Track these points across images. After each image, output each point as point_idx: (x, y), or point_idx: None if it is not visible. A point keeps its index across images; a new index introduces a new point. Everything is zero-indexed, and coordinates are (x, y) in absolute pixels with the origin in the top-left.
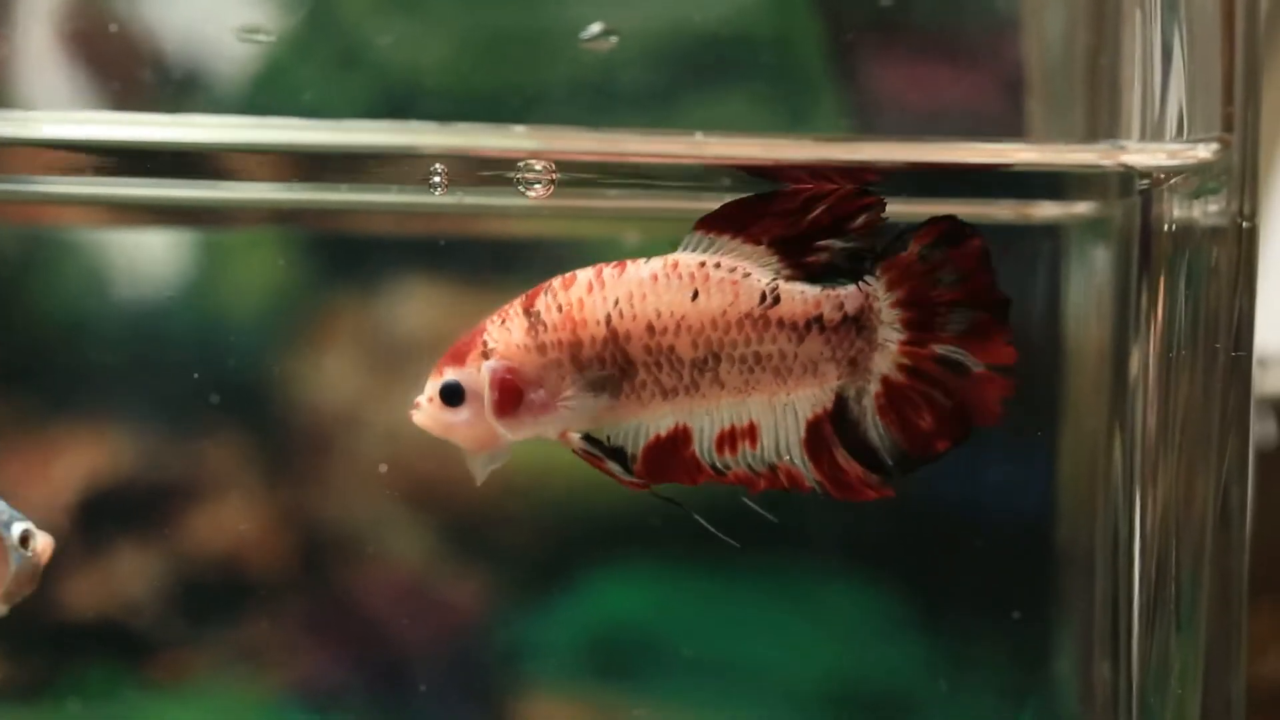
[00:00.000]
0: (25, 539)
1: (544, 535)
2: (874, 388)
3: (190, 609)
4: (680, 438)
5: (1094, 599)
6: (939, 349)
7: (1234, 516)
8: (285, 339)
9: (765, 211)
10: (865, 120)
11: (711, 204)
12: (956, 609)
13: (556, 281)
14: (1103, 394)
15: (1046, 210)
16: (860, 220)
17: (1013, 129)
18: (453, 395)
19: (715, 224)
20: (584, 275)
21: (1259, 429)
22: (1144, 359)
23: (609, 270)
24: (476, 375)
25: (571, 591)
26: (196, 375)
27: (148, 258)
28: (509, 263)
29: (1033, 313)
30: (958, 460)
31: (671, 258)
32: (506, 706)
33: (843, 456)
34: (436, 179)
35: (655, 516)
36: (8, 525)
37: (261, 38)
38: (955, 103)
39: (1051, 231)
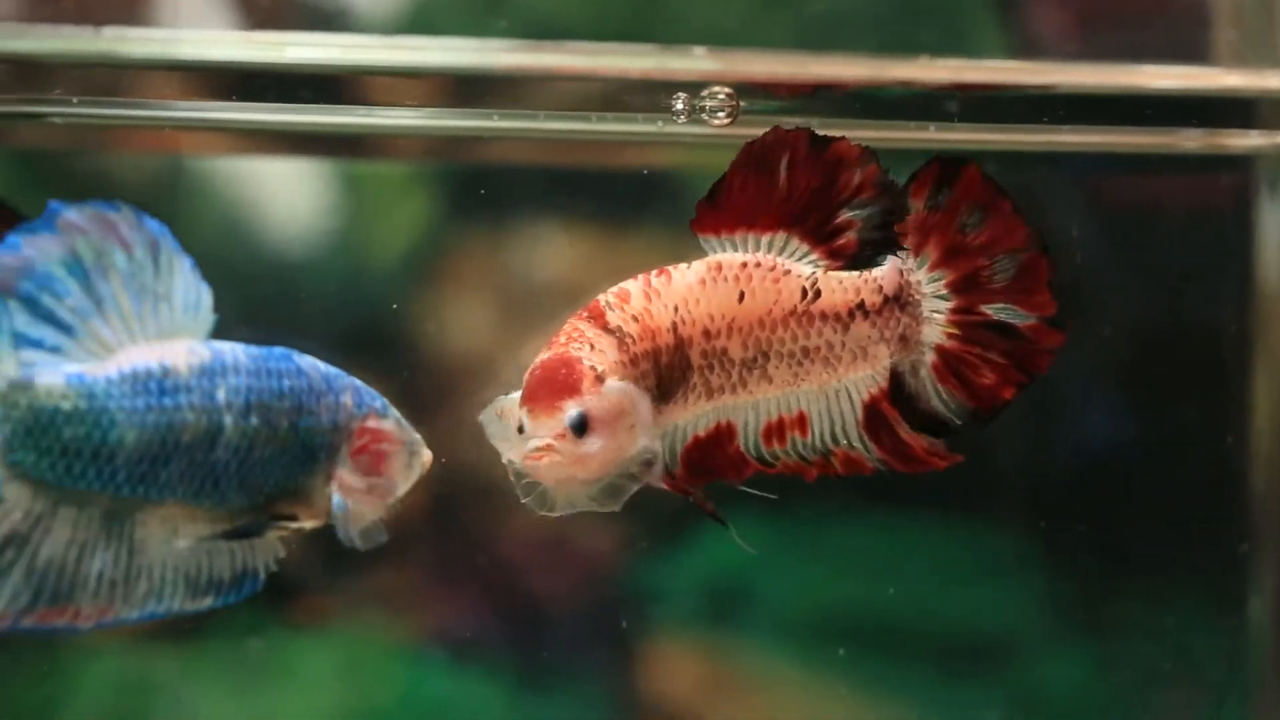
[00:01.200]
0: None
1: None
2: (930, 358)
3: (330, 554)
4: (724, 435)
5: None
6: (988, 310)
7: None
8: (427, 276)
9: (747, 195)
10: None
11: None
12: (1142, 554)
13: (610, 298)
14: None
15: (1241, 141)
16: (858, 180)
17: (1200, 58)
18: (584, 426)
19: (715, 222)
20: (635, 286)
21: None
22: None
23: (656, 279)
24: (599, 400)
25: (690, 539)
26: (394, 306)
27: (290, 189)
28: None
29: (1223, 247)
30: (1145, 400)
31: (714, 260)
32: (629, 649)
33: (905, 432)
34: (679, 105)
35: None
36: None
37: None
38: (1138, 32)
39: (1244, 163)
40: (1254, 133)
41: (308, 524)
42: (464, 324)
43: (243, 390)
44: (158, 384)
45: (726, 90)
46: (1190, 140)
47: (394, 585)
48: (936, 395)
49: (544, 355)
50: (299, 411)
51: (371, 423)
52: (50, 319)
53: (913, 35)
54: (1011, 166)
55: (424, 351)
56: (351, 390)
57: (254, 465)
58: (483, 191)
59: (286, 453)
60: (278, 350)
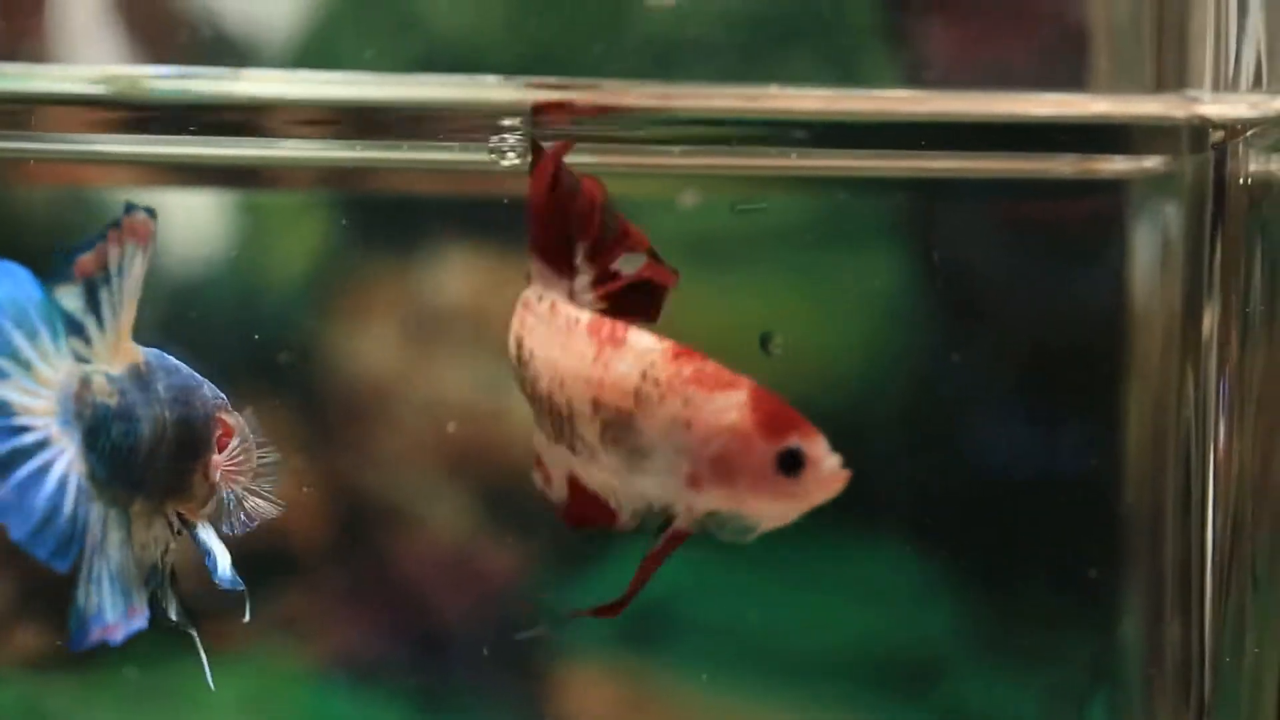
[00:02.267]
0: None
1: None
2: None
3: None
4: None
5: (1163, 561)
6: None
7: None
8: (326, 305)
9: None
10: (921, 78)
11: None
12: (1015, 572)
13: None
14: (1172, 352)
15: (1111, 165)
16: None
17: (1076, 84)
18: None
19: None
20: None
21: None
22: (1217, 317)
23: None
24: None
25: (604, 560)
26: (256, 337)
27: (189, 220)
28: None
29: (1097, 270)
30: (1021, 420)
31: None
32: (541, 674)
33: None
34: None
35: None
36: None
37: None
38: (1015, 59)
39: (1116, 187)
40: (1121, 158)
41: (195, 521)
42: (362, 351)
43: (171, 388)
44: (143, 381)
45: (520, 133)
46: (1064, 165)
47: (298, 610)
48: None
49: (741, 392)
50: (190, 405)
51: (224, 415)
52: (93, 314)
53: (785, 61)
54: (885, 192)
55: (322, 378)
56: (207, 384)
57: (178, 460)
58: (345, 223)
59: (190, 447)
60: (154, 350)
